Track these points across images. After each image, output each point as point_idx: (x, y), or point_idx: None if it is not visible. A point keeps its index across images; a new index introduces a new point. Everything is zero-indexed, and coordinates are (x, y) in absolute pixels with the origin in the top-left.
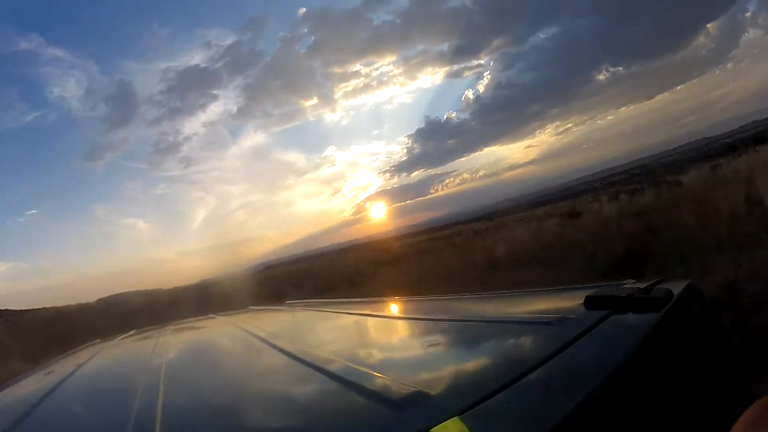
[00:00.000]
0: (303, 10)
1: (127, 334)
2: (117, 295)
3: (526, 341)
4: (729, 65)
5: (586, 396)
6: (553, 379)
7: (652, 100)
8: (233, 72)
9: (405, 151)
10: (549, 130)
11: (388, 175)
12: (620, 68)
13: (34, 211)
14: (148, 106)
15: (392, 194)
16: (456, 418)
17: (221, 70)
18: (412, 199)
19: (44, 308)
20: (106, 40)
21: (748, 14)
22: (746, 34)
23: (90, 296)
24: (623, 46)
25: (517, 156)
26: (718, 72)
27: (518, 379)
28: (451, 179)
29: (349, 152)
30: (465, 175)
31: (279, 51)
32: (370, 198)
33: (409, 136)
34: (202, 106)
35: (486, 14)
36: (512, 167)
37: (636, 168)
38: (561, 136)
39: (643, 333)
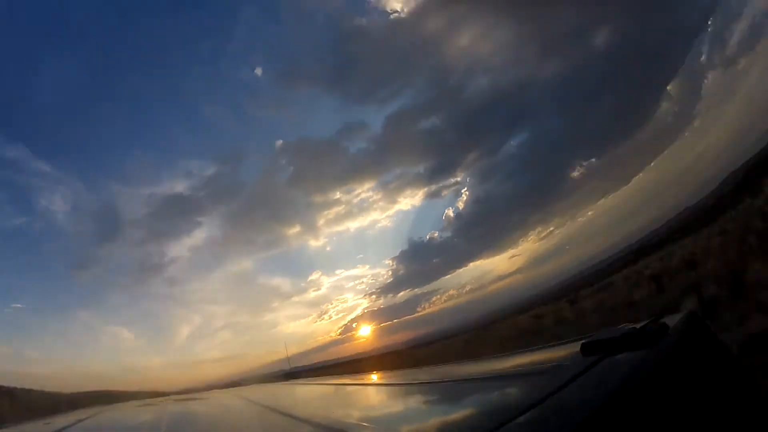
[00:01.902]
0: (280, 142)
1: (129, 402)
2: (97, 391)
3: (519, 391)
4: (696, 122)
5: None
6: (541, 423)
7: (628, 185)
8: (216, 201)
9: (390, 273)
10: (532, 236)
11: (374, 296)
12: (593, 160)
13: (19, 305)
14: (133, 228)
15: (379, 314)
16: None
17: (204, 198)
18: (399, 318)
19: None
20: (92, 160)
21: (702, 58)
22: (706, 80)
23: (67, 389)
24: (593, 137)
25: (503, 267)
26: (687, 134)
27: (507, 423)
28: (438, 297)
29: (335, 276)
30: (452, 292)
31: (260, 181)
32: (356, 319)
33: (393, 259)
34: (187, 231)
35: (456, 131)
36: (499, 278)
37: (630, 254)
38: (544, 241)
39: (635, 370)
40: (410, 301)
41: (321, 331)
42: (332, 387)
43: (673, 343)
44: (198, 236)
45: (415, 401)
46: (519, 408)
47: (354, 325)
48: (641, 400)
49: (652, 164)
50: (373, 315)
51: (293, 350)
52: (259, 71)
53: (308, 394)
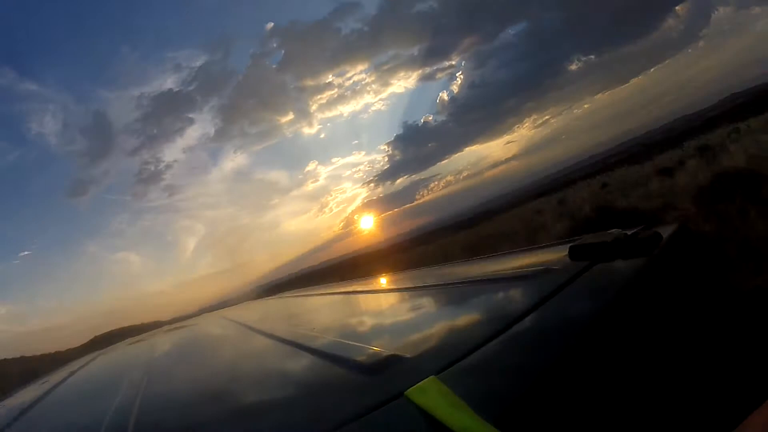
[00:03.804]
0: (270, 24)
1: (122, 342)
2: (111, 332)
3: (507, 297)
4: (701, 43)
5: (566, 347)
6: (533, 332)
7: (626, 85)
8: (206, 93)
9: (386, 159)
10: (527, 124)
11: (372, 185)
12: (592, 56)
13: (27, 253)
14: (125, 135)
15: (379, 204)
16: (432, 377)
17: (194, 92)
18: (400, 207)
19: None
20: (78, 67)
21: None
22: (716, 12)
23: (83, 337)
24: (593, 35)
25: (498, 153)
26: (690, 51)
27: (497, 336)
28: (436, 183)
29: (331, 165)
30: (449, 178)
31: (250, 68)
32: (357, 210)
33: (388, 144)
34: (180, 131)
35: (453, 15)
36: (495, 165)
37: (635, 146)
38: (540, 129)
39: (630, 278)
40: (409, 188)
41: (324, 227)
42: (318, 297)
43: (666, 253)
44: (191, 135)
45: (396, 311)
46: (511, 317)
47: (355, 217)
48: (634, 311)
49: (651, 70)
50: (373, 205)
51: (298, 251)
52: None
53: (291, 309)
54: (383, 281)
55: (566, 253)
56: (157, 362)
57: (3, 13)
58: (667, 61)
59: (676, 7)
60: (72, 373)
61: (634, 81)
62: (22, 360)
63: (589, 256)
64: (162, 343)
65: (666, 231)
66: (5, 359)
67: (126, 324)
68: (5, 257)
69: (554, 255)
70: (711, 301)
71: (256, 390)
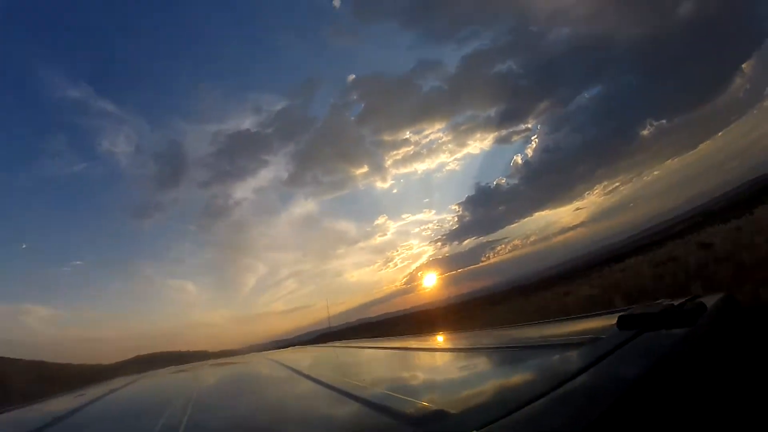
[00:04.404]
0: (352, 76)
1: (166, 369)
2: (155, 354)
3: (554, 362)
4: (765, 103)
5: (609, 410)
6: (577, 395)
7: (695, 150)
8: (283, 138)
9: (456, 219)
10: (597, 190)
11: (439, 243)
12: (663, 121)
13: (78, 262)
14: (197, 167)
15: (444, 263)
16: None
17: (272, 135)
18: (464, 268)
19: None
20: (157, 96)
21: None
22: None
23: (123, 354)
24: (666, 99)
25: (567, 219)
26: (755, 112)
27: (540, 397)
28: (503, 246)
29: (401, 221)
30: (516, 242)
31: (329, 118)
32: (421, 267)
33: (459, 204)
34: (253, 171)
35: (531, 77)
36: (563, 231)
37: (698, 215)
38: (609, 196)
39: (674, 347)
40: (475, 250)
41: (386, 280)
42: (368, 350)
43: (710, 323)
44: (264, 176)
45: (446, 369)
46: (556, 380)
47: (419, 274)
48: (679, 378)
49: (719, 134)
50: (438, 263)
51: (356, 301)
52: (337, 2)
53: (341, 358)
54: (432, 340)
55: (615, 321)
56: (202, 395)
57: (87, 31)
58: (733, 124)
59: (743, 65)
60: (111, 391)
61: (702, 146)
62: (41, 366)
63: (637, 325)
64: (208, 376)
65: (711, 301)
66: (20, 359)
67: (172, 349)
68: (56, 263)
69: (603, 323)
70: (753, 371)
71: None
